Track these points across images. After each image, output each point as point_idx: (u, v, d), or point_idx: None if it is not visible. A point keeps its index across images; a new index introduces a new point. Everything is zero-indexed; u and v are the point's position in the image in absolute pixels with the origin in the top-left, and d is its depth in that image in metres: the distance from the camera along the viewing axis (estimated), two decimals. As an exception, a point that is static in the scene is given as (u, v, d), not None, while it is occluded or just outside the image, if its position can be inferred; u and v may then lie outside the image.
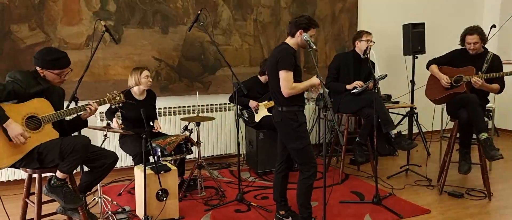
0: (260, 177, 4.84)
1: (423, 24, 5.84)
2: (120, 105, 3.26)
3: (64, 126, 3.04)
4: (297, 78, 3.28)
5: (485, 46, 4.21)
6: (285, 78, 3.20)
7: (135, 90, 4.26)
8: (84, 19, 4.70)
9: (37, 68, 2.88)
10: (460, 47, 4.32)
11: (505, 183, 4.59)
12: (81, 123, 3.15)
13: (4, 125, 2.62)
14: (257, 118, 4.88)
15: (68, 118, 3.03)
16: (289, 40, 3.33)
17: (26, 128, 2.73)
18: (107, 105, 3.59)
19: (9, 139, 2.66)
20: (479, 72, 4.04)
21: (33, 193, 2.88)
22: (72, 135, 3.09)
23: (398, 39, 6.01)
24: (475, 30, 4.09)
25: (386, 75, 4.28)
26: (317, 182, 4.59)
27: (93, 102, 3.06)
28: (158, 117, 4.56)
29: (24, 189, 2.94)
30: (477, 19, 4.94)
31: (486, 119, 4.24)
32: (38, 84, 2.84)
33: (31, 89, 2.79)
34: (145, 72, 4.23)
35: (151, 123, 4.41)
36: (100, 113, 4.64)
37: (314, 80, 3.25)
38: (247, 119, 4.90)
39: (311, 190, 3.38)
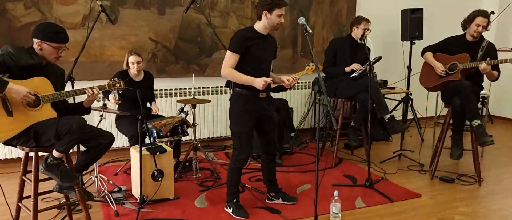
0: (255, 159, 4.89)
1: (421, 9, 5.83)
2: (120, 92, 3.26)
3: (59, 107, 3.03)
4: (255, 65, 3.24)
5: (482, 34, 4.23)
6: (226, 58, 3.25)
7: (131, 71, 4.27)
8: (81, -2, 4.68)
9: (36, 41, 2.84)
10: (457, 34, 4.33)
11: (496, 169, 4.66)
12: (84, 110, 3.11)
13: (7, 90, 2.61)
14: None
15: (70, 102, 3.01)
16: (257, 24, 3.30)
17: (25, 105, 2.75)
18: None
19: (8, 114, 2.68)
20: (488, 59, 4.04)
21: (30, 171, 2.91)
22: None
23: (396, 24, 6.00)
24: (486, 13, 4.08)
25: (380, 58, 4.30)
26: (312, 165, 4.68)
27: (96, 87, 3.03)
28: (155, 99, 4.58)
29: (21, 167, 2.97)
30: (476, 6, 4.94)
31: (480, 106, 4.28)
32: (30, 59, 2.82)
33: (22, 62, 2.76)
34: (131, 58, 4.16)
35: (148, 104, 4.43)
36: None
37: (256, 82, 3.16)
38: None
39: (233, 174, 3.45)
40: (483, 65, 3.99)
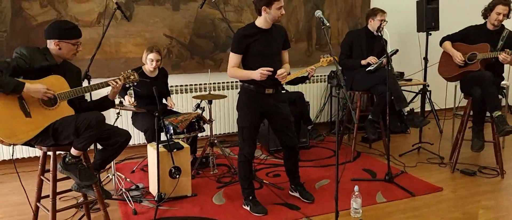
0: (272, 154, 4.85)
1: (437, 0, 5.72)
2: (135, 84, 3.25)
3: (76, 105, 3.03)
4: (259, 62, 3.19)
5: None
6: (229, 59, 3.28)
7: (146, 68, 4.26)
8: (95, -4, 4.68)
9: (53, 41, 2.82)
10: (473, 23, 4.23)
11: (519, 161, 4.57)
12: (109, 102, 3.13)
13: (25, 90, 2.62)
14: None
15: (91, 97, 3.00)
16: (258, 20, 3.25)
17: (43, 105, 2.75)
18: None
19: (26, 115, 2.68)
20: (507, 50, 3.94)
21: (48, 170, 2.92)
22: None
23: (411, 15, 5.89)
24: (509, 1, 3.99)
25: (397, 50, 4.22)
26: (330, 160, 4.63)
27: (116, 78, 3.03)
28: (170, 94, 4.57)
29: (39, 166, 2.98)
30: (493, -5, 4.86)
31: (500, 97, 4.18)
32: (44, 60, 2.81)
33: (36, 64, 2.76)
34: (152, 55, 4.15)
35: (164, 100, 4.42)
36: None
37: (254, 74, 3.14)
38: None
39: (240, 168, 3.45)
40: (502, 56, 3.89)
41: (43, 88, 2.68)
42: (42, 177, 2.98)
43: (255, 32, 3.22)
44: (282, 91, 4.37)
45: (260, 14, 3.19)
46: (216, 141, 4.36)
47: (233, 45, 3.25)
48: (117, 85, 3.01)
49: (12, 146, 2.72)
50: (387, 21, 4.49)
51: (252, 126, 3.34)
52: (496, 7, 4.02)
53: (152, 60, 4.16)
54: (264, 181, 3.99)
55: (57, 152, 2.87)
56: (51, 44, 2.84)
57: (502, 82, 4.27)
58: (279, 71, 3.23)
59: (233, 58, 3.25)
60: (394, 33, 5.98)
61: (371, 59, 4.45)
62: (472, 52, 4.12)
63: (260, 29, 3.23)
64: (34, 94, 2.67)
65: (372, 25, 4.52)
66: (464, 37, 4.24)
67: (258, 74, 3.12)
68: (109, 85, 2.99)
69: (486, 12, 4.11)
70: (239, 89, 5.36)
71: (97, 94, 3.33)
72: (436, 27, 5.70)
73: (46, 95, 2.69)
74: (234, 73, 3.29)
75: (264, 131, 4.94)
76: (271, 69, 3.14)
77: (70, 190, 3.10)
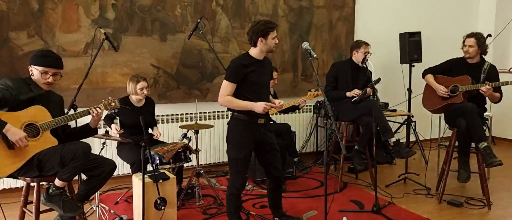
0: (258, 185, 4.81)
1: (419, 33, 5.88)
2: (116, 111, 3.24)
3: (59, 134, 2.99)
4: (253, 91, 3.25)
5: (483, 56, 4.23)
6: (222, 87, 3.27)
7: (133, 97, 4.24)
8: (83, 26, 4.68)
9: (29, 68, 2.85)
10: (456, 56, 4.34)
11: (505, 192, 4.60)
12: (91, 131, 3.13)
13: (3, 131, 2.59)
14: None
15: (72, 125, 2.99)
16: (252, 50, 3.30)
17: (26, 137, 2.70)
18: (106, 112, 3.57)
19: (9, 147, 2.63)
20: (487, 82, 4.04)
21: (31, 202, 2.84)
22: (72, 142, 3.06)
23: (394, 47, 6.04)
24: (474, 34, 4.15)
25: (379, 79, 4.28)
26: (317, 190, 4.61)
27: (94, 108, 3.03)
28: (156, 124, 4.54)
29: (22, 198, 2.91)
30: (472, 29, 4.97)
31: (484, 127, 4.25)
32: (29, 91, 2.80)
33: (22, 96, 2.75)
34: (141, 84, 4.15)
35: (150, 130, 4.38)
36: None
37: (257, 107, 3.18)
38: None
39: (230, 201, 3.42)
40: (485, 88, 3.98)
41: (20, 136, 2.63)
42: (24, 209, 2.90)
43: (251, 62, 3.27)
44: (270, 122, 4.39)
45: (255, 46, 3.24)
46: (202, 171, 4.32)
47: (230, 75, 3.24)
48: (98, 113, 3.00)
49: (-6, 178, 2.66)
50: (371, 53, 4.59)
51: (246, 157, 3.32)
52: (465, 41, 4.20)
53: (142, 89, 4.16)
54: (251, 212, 3.94)
55: (41, 183, 2.81)
56: (29, 69, 2.86)
57: (485, 113, 4.35)
58: (277, 101, 3.35)
59: (228, 86, 3.24)
60: (378, 64, 6.09)
61: (355, 92, 4.50)
62: (454, 84, 4.20)
63: (255, 59, 3.28)
64: (10, 137, 2.62)
65: (356, 57, 4.60)
66: (446, 70, 4.34)
67: (261, 108, 3.15)
68: (90, 113, 2.98)
69: (462, 47, 4.25)
70: (227, 119, 5.38)
71: (80, 122, 3.30)
72: (419, 59, 5.84)
73: (20, 142, 2.64)
74: (230, 102, 3.25)
75: (252, 160, 4.90)
76: (273, 105, 3.23)
77: (53, 222, 3.02)
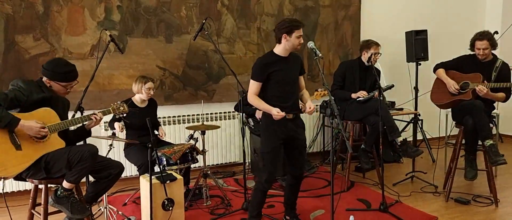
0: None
1: (425, 31, 5.85)
2: (124, 115, 3.27)
3: (69, 136, 3.04)
4: (279, 89, 3.31)
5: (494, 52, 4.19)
6: (250, 85, 3.36)
7: (136, 99, 4.26)
8: (89, 29, 4.71)
9: (44, 78, 2.88)
10: (467, 53, 4.30)
11: (511, 189, 4.57)
12: (85, 133, 3.16)
13: (19, 126, 2.61)
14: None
15: (72, 128, 3.03)
16: (277, 48, 3.34)
17: (33, 137, 2.73)
18: (111, 115, 3.59)
19: (16, 148, 2.65)
20: (485, 81, 4.01)
21: (39, 204, 2.86)
22: (79, 144, 3.09)
23: (401, 46, 6.01)
24: (485, 35, 4.06)
25: (393, 86, 4.26)
26: (324, 190, 4.60)
27: (98, 112, 3.07)
28: (161, 125, 4.56)
29: (30, 200, 2.93)
30: (479, 26, 4.94)
31: (491, 125, 4.23)
32: (41, 93, 2.84)
33: (34, 97, 2.78)
34: (149, 84, 4.20)
35: (155, 131, 4.40)
36: (104, 122, 4.64)
37: (273, 111, 3.22)
38: (252, 127, 4.89)
39: (256, 197, 3.45)
40: (479, 87, 3.94)
41: (37, 126, 2.67)
42: (33, 211, 2.93)
43: (275, 60, 3.31)
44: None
45: (280, 42, 3.29)
46: (209, 172, 4.33)
47: (254, 74, 3.32)
48: (97, 120, 3.08)
49: (2, 180, 2.68)
50: (380, 54, 4.55)
51: (274, 152, 3.35)
52: (475, 43, 4.11)
53: (149, 89, 4.20)
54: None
55: (49, 185, 2.83)
56: (44, 80, 2.88)
57: (493, 111, 4.32)
58: (308, 107, 3.38)
59: (254, 85, 3.32)
60: (385, 63, 6.06)
61: (361, 93, 4.48)
62: (465, 81, 4.17)
63: (279, 56, 3.32)
64: (27, 131, 2.66)
65: (366, 57, 4.56)
66: (458, 66, 4.29)
67: (275, 114, 3.21)
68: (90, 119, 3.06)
69: (471, 47, 4.19)
70: (233, 120, 5.40)
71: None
72: (425, 58, 5.81)
73: (39, 134, 2.68)
74: (257, 103, 3.34)
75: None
76: (283, 114, 3.23)
77: (61, 224, 3.04)
